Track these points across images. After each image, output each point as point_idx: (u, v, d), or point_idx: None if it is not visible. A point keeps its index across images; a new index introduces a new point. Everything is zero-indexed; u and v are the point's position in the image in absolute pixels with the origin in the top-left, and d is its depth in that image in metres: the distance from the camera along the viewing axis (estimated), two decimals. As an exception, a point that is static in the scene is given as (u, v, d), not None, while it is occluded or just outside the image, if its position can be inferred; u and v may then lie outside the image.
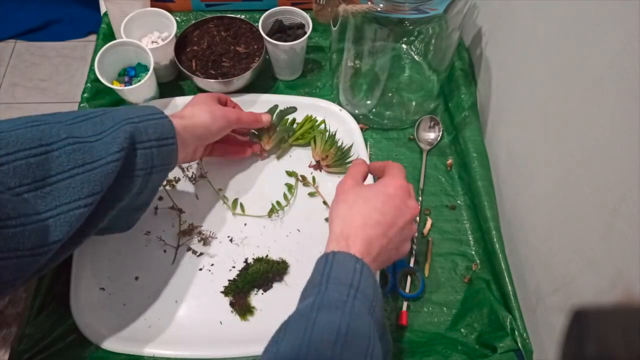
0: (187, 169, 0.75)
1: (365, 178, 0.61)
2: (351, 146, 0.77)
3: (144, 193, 0.57)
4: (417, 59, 0.84)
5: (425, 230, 0.72)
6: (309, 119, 0.79)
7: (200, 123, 0.62)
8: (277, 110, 0.76)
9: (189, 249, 0.68)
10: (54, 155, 0.48)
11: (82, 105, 0.78)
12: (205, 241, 0.69)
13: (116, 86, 0.74)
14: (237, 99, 0.81)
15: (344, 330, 0.43)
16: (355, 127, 0.79)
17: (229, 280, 0.66)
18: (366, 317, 0.45)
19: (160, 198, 0.71)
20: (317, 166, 0.77)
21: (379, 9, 0.63)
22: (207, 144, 0.68)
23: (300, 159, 0.77)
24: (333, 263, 0.48)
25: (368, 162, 0.76)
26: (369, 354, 0.43)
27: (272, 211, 0.71)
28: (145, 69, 0.78)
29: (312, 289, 0.48)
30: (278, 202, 0.72)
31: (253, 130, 0.76)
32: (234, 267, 0.67)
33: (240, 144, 0.75)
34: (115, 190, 0.52)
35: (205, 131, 0.63)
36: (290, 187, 0.74)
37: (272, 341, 0.45)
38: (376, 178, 0.63)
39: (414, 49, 0.84)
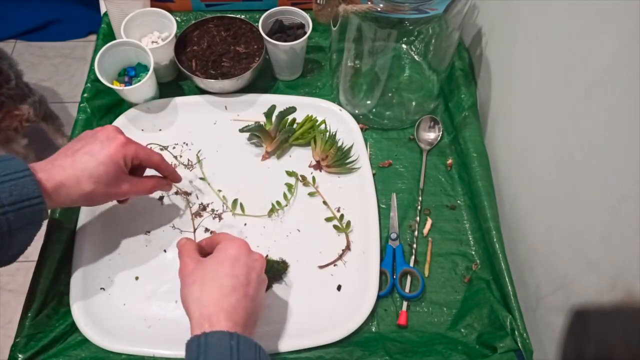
0: (189, 168, 0.75)
1: (199, 252, 0.58)
2: (351, 146, 0.77)
3: (12, 248, 0.53)
4: (417, 59, 0.84)
5: (425, 230, 0.72)
6: (309, 119, 0.79)
7: (74, 186, 0.55)
8: (277, 111, 0.76)
9: (206, 229, 0.70)
10: None
11: (82, 105, 0.78)
12: (220, 217, 0.71)
13: (116, 86, 0.74)
14: (237, 99, 0.81)
15: None
16: (355, 127, 0.79)
17: (229, 280, 0.66)
18: None
19: (161, 197, 0.72)
20: (317, 166, 0.77)
21: (379, 9, 0.63)
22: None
23: (300, 159, 0.77)
24: (207, 347, 0.45)
25: (368, 162, 0.76)
26: None
27: (272, 211, 0.71)
28: (145, 69, 0.78)
29: None
30: (278, 202, 0.72)
31: (255, 133, 0.76)
32: (234, 267, 0.67)
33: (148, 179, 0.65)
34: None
35: (83, 197, 0.56)
36: (290, 187, 0.74)
37: None
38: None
39: (414, 49, 0.84)
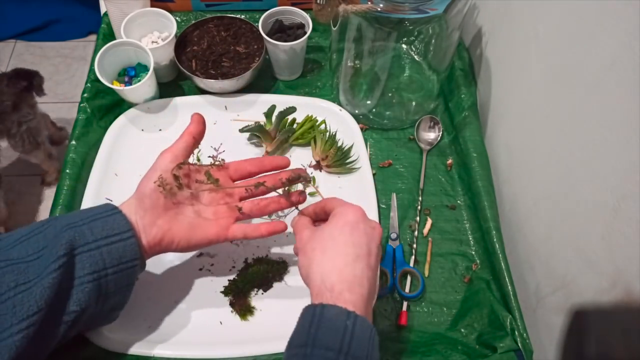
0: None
1: (314, 222, 0.56)
2: (351, 146, 0.77)
3: (112, 297, 0.51)
4: (417, 59, 0.84)
5: (425, 230, 0.72)
6: (309, 119, 0.79)
7: (168, 246, 0.55)
8: (277, 111, 0.76)
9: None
10: None
11: (82, 105, 0.78)
12: None
13: (116, 86, 0.74)
14: (237, 99, 0.81)
15: None
16: (355, 127, 0.79)
17: (229, 280, 0.66)
18: None
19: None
20: (317, 166, 0.77)
21: (379, 9, 0.63)
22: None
23: (300, 159, 0.77)
24: (320, 321, 0.43)
25: (368, 162, 0.76)
26: None
27: (272, 211, 0.71)
28: (145, 69, 0.78)
29: (298, 350, 0.43)
30: (278, 202, 0.72)
31: (255, 133, 0.76)
32: (234, 267, 0.67)
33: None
34: (62, 304, 0.47)
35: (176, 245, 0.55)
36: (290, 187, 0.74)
37: None
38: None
39: (414, 49, 0.84)
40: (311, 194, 0.74)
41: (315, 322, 0.43)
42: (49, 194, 1.70)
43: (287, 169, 0.61)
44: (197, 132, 0.58)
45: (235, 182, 0.60)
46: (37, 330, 0.45)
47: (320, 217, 0.57)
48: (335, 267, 0.47)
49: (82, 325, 0.51)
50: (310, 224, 0.55)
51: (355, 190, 0.74)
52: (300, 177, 0.59)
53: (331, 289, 0.45)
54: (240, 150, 0.77)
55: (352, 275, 0.46)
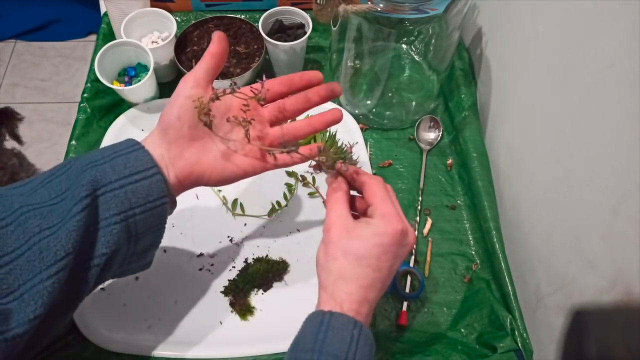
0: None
1: (348, 203, 0.52)
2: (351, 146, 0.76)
3: (143, 237, 0.49)
4: (417, 59, 0.84)
5: (425, 230, 0.72)
6: (309, 119, 0.78)
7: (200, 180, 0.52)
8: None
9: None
10: (8, 231, 0.43)
11: (82, 105, 0.78)
12: None
13: (116, 86, 0.74)
14: (237, 99, 0.81)
15: None
16: (355, 127, 0.79)
17: (229, 280, 0.66)
18: None
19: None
20: (317, 166, 0.76)
21: (379, 9, 0.63)
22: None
23: (300, 159, 0.77)
24: (328, 328, 0.43)
25: (368, 162, 0.76)
26: None
27: (272, 211, 0.71)
28: (145, 69, 0.78)
29: (304, 354, 0.43)
30: (278, 202, 0.72)
31: None
32: (234, 267, 0.67)
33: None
34: (91, 247, 0.45)
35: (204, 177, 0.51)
36: (290, 187, 0.74)
37: None
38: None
39: (414, 49, 0.84)
40: (311, 194, 0.74)
41: (324, 329, 0.43)
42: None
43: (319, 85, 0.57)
44: (219, 51, 0.52)
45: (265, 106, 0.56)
46: (68, 275, 0.44)
47: (356, 186, 0.54)
48: (347, 287, 0.46)
49: (116, 268, 0.49)
50: (347, 211, 0.50)
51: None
52: (334, 92, 0.56)
53: (340, 304, 0.45)
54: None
55: (363, 298, 0.46)
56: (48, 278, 0.42)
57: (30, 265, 0.42)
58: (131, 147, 0.48)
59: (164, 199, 0.48)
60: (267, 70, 0.85)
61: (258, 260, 0.67)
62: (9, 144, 1.46)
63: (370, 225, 0.48)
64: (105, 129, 0.77)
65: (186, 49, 0.81)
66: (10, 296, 0.41)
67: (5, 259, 0.42)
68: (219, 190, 0.73)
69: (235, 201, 0.72)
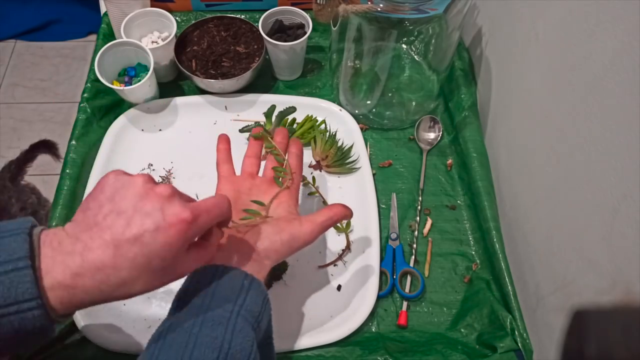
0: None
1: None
2: (351, 146, 0.77)
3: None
4: (417, 59, 0.84)
5: (425, 230, 0.72)
6: (309, 119, 0.79)
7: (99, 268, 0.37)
8: (277, 111, 0.76)
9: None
10: None
11: (82, 105, 0.78)
12: None
13: (116, 86, 0.74)
14: (237, 99, 0.81)
15: (226, 347, 0.41)
16: (355, 127, 0.79)
17: (229, 280, 0.66)
18: (249, 334, 0.43)
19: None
20: (317, 166, 0.77)
21: (379, 9, 0.63)
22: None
23: (300, 159, 0.77)
24: (221, 278, 0.45)
25: (368, 162, 0.76)
26: None
27: (272, 211, 0.71)
28: (145, 69, 0.78)
29: (195, 299, 0.44)
30: (278, 202, 0.72)
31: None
32: (234, 267, 0.67)
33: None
34: None
35: (111, 285, 0.38)
36: (290, 187, 0.74)
37: (148, 353, 0.40)
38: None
39: (414, 49, 0.84)
40: (311, 194, 0.74)
41: (218, 275, 0.46)
42: (49, 194, 1.70)
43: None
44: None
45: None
46: None
47: None
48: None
49: None
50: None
51: (355, 190, 0.74)
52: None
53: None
54: (240, 151, 0.77)
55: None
56: None
57: None
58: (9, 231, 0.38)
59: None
60: (267, 70, 0.85)
61: (258, 260, 0.67)
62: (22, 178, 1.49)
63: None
64: (105, 129, 0.77)
65: (186, 49, 0.81)
66: None
67: None
68: (219, 190, 0.73)
69: (235, 201, 0.72)
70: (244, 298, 0.44)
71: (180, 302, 0.45)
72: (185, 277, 0.46)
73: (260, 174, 0.62)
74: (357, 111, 0.81)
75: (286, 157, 0.61)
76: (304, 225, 0.53)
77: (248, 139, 0.78)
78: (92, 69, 0.79)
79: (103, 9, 0.89)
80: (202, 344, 0.40)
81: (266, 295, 0.47)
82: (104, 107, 0.80)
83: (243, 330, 0.43)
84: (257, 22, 0.81)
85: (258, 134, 0.64)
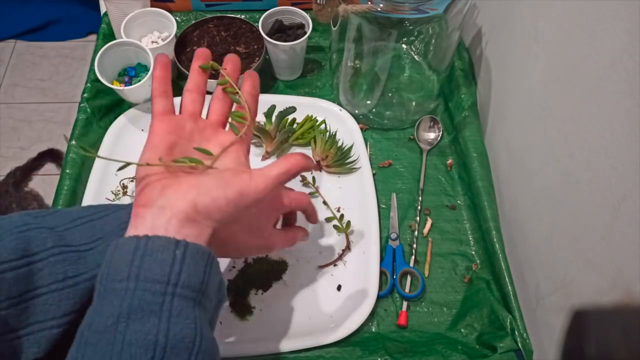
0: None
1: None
2: (351, 146, 0.77)
3: None
4: (417, 59, 0.84)
5: (425, 230, 0.72)
6: (309, 119, 0.79)
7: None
8: (277, 111, 0.76)
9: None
10: (36, 268, 0.41)
11: (82, 105, 0.78)
12: None
13: (116, 86, 0.74)
14: (237, 99, 0.81)
15: (163, 341, 0.35)
16: (355, 127, 0.79)
17: (229, 281, 0.66)
18: (190, 314, 0.37)
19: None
20: (317, 166, 0.77)
21: (379, 9, 0.63)
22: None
23: (300, 159, 0.77)
24: (145, 253, 0.37)
25: (368, 162, 0.76)
26: (194, 354, 0.36)
27: (272, 211, 0.71)
28: (145, 69, 0.78)
29: (117, 284, 0.36)
30: (278, 202, 0.72)
31: (255, 133, 0.76)
32: (234, 267, 0.67)
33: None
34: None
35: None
36: (290, 187, 0.74)
37: (70, 358, 0.35)
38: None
39: (414, 49, 0.84)
40: (311, 194, 0.74)
41: (139, 254, 0.37)
42: (49, 194, 1.70)
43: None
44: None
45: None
46: (76, 330, 0.41)
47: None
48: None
49: None
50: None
51: (355, 190, 0.74)
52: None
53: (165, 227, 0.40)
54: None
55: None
56: (58, 326, 0.41)
57: (45, 309, 0.41)
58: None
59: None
60: (267, 70, 0.85)
61: (258, 260, 0.67)
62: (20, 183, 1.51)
63: None
64: (105, 129, 0.77)
65: (186, 49, 0.81)
66: (16, 333, 0.40)
67: (25, 296, 0.40)
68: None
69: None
70: (178, 273, 0.37)
71: (101, 287, 0.37)
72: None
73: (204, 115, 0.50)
74: (357, 111, 0.81)
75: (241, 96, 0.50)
76: (255, 179, 0.43)
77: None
78: (92, 69, 0.79)
79: (103, 9, 0.89)
80: (131, 342, 0.34)
81: (208, 258, 0.39)
82: (104, 107, 0.80)
83: (182, 313, 0.36)
84: (257, 22, 0.81)
85: (207, 64, 0.50)
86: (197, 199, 0.40)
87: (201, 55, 0.50)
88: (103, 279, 0.37)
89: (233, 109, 0.50)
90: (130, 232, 0.39)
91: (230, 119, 0.49)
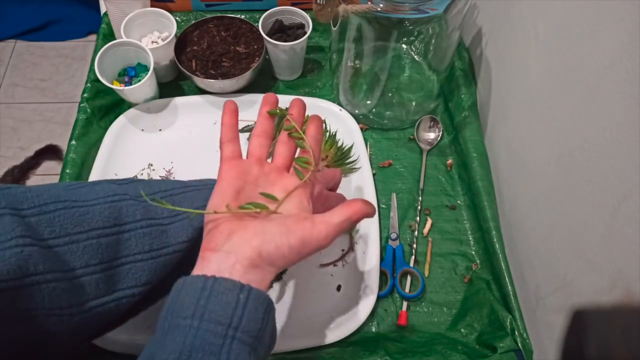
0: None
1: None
2: (351, 146, 0.77)
3: None
4: (417, 59, 0.84)
5: (425, 230, 0.72)
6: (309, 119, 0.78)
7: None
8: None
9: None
10: (124, 237, 0.45)
11: (82, 105, 0.78)
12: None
13: (116, 86, 0.74)
14: (237, 99, 0.81)
15: None
16: (355, 127, 0.79)
17: (229, 280, 0.66)
18: (246, 359, 0.38)
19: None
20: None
21: (379, 9, 0.63)
22: None
23: (300, 159, 0.77)
24: (211, 294, 0.38)
25: (368, 162, 0.76)
26: None
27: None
28: (145, 69, 0.78)
29: (181, 321, 0.38)
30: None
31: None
32: (234, 267, 0.67)
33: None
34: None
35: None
36: (290, 187, 0.74)
37: None
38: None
39: (414, 49, 0.84)
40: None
41: (206, 295, 0.38)
42: (49, 194, 1.69)
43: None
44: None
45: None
46: (145, 297, 0.46)
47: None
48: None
49: None
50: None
51: (356, 190, 0.74)
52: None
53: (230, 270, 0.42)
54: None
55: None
56: (138, 294, 0.45)
57: (129, 276, 0.45)
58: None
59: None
60: (267, 70, 0.85)
61: (258, 260, 0.67)
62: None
63: None
64: (105, 129, 0.77)
65: (186, 49, 0.81)
66: (103, 298, 0.44)
67: (113, 262, 0.45)
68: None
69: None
70: (240, 317, 0.38)
71: (165, 322, 0.39)
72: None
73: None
74: (357, 111, 0.81)
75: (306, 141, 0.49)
76: (317, 226, 0.43)
77: (248, 139, 0.78)
78: (92, 69, 0.79)
79: (103, 9, 0.89)
80: None
81: (268, 305, 0.40)
82: (104, 107, 0.80)
83: (239, 358, 0.37)
84: (257, 22, 0.81)
85: (275, 110, 0.51)
86: (261, 246, 0.40)
87: (269, 101, 0.52)
88: (168, 315, 0.39)
89: (297, 154, 0.51)
90: (197, 273, 0.40)
91: (294, 163, 0.49)
